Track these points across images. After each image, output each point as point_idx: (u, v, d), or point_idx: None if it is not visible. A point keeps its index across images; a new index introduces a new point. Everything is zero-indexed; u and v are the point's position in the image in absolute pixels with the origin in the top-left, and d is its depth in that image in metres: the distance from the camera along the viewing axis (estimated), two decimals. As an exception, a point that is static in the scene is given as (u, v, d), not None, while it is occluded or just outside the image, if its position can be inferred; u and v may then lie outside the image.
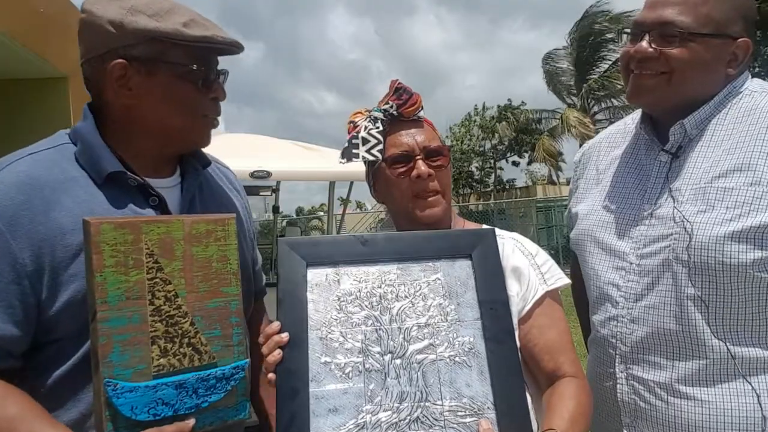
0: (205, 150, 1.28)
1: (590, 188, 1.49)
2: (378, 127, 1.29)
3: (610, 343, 1.33)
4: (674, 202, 1.24)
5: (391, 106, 1.28)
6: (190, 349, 0.98)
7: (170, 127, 1.13)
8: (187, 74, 1.11)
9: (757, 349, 1.16)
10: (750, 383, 1.16)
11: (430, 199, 1.26)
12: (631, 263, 1.30)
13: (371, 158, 1.29)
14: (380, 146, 1.28)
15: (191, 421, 0.96)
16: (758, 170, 1.15)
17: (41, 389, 1.02)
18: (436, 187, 1.27)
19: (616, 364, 1.32)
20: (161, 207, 1.14)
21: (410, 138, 1.28)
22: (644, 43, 1.26)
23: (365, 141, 1.28)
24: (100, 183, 1.08)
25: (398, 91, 1.29)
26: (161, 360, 0.95)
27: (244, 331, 1.06)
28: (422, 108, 1.32)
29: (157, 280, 0.96)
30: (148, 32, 1.06)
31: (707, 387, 1.19)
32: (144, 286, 0.95)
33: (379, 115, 1.29)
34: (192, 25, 1.08)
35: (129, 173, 1.10)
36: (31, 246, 0.99)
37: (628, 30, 1.37)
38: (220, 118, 1.22)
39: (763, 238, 1.13)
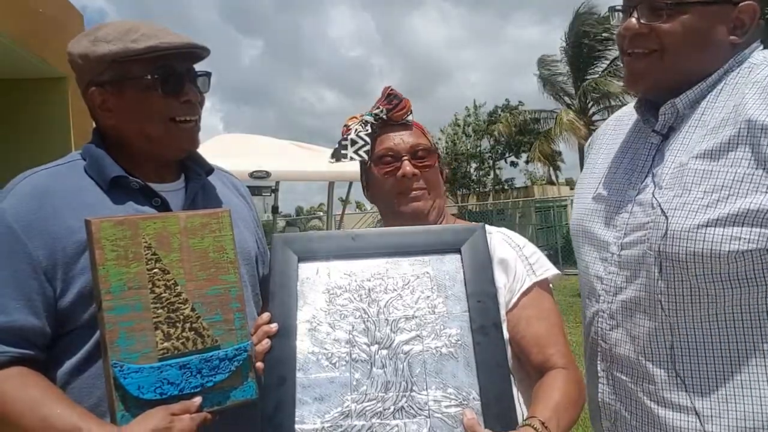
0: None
1: (587, 175, 1.42)
2: (367, 130, 1.36)
3: (594, 339, 1.28)
4: (654, 187, 1.15)
5: (381, 111, 1.36)
6: (192, 333, 1.05)
7: (148, 137, 1.23)
8: (148, 85, 1.20)
9: (706, 366, 1.07)
10: (692, 402, 1.08)
11: (413, 194, 1.31)
12: (613, 254, 1.21)
13: (358, 158, 1.37)
14: (367, 147, 1.36)
15: (197, 400, 1.03)
16: (738, 150, 1.03)
17: (60, 378, 1.12)
18: (421, 185, 1.32)
19: (598, 362, 1.26)
20: (164, 207, 1.24)
21: (398, 139, 1.35)
22: (633, 20, 1.17)
23: (354, 142, 1.36)
24: (106, 189, 1.20)
25: (389, 96, 1.37)
26: (165, 344, 1.03)
27: (245, 315, 1.13)
28: (411, 112, 1.39)
29: (156, 270, 1.04)
30: (105, 56, 1.18)
31: (680, 394, 1.09)
32: (144, 276, 1.03)
33: (370, 118, 1.37)
34: (140, 40, 1.18)
35: (130, 177, 1.21)
36: (44, 245, 1.11)
37: (619, 7, 1.24)
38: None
39: (743, 227, 1.00)
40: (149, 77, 1.19)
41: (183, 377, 1.02)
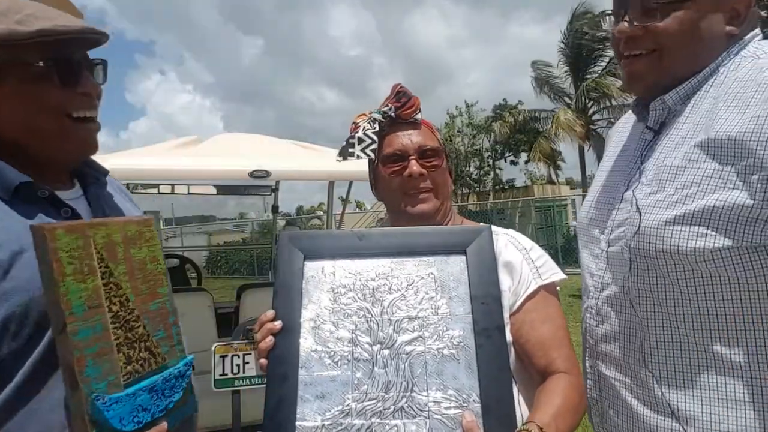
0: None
1: (597, 174, 1.41)
2: (375, 128, 1.35)
3: (583, 335, 1.28)
4: (639, 183, 1.13)
5: (390, 108, 1.34)
6: (147, 353, 0.96)
7: (37, 132, 1.04)
8: (41, 73, 1.02)
9: (681, 373, 1.04)
10: (673, 412, 1.04)
11: (420, 195, 1.30)
12: (603, 250, 1.20)
13: (365, 157, 1.35)
14: (374, 146, 1.34)
15: (164, 424, 0.95)
16: (710, 148, 1.00)
17: None
18: (428, 186, 1.31)
19: (586, 358, 1.27)
20: (74, 219, 1.07)
21: (406, 138, 1.33)
22: (625, 23, 1.13)
23: (361, 141, 1.34)
24: (7, 200, 1.01)
25: (398, 94, 1.35)
26: (128, 367, 0.92)
27: (180, 329, 1.05)
28: (420, 111, 1.37)
29: (111, 285, 0.93)
30: None
31: (656, 393, 1.08)
32: (100, 293, 0.91)
33: (378, 116, 1.35)
34: (28, 21, 0.99)
35: (38, 184, 1.04)
36: None
37: (610, 12, 1.21)
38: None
39: (710, 225, 0.97)
40: (42, 64, 1.01)
41: (152, 401, 0.94)
